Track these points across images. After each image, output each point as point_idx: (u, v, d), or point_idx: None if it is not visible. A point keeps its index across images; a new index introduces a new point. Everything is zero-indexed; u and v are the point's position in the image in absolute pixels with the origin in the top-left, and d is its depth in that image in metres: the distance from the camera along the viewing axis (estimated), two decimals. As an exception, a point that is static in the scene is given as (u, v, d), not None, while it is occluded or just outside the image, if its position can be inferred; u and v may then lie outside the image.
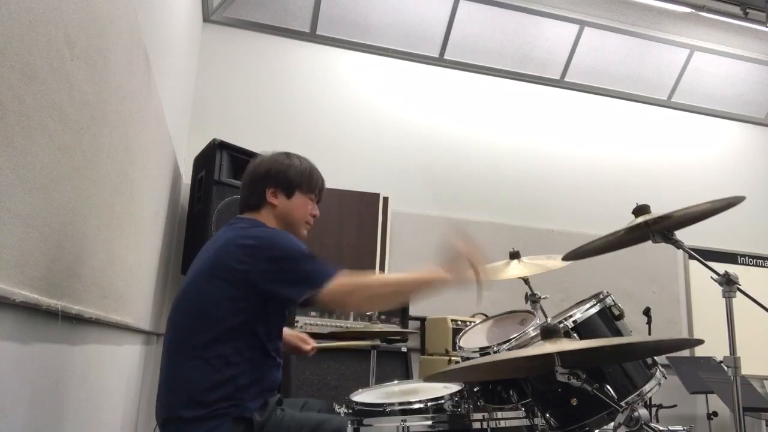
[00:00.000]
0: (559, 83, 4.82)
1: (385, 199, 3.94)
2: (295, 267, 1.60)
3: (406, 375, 3.30)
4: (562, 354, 1.23)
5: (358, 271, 1.58)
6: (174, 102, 3.04)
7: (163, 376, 1.64)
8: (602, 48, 4.74)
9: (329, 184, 1.96)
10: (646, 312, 3.97)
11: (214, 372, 1.55)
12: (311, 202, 1.84)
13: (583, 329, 1.59)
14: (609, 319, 1.65)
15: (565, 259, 1.87)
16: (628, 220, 1.63)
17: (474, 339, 1.93)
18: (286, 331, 1.99)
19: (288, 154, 1.84)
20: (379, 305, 1.62)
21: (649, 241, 1.65)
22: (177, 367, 1.60)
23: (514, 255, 2.19)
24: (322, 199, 1.90)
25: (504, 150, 4.56)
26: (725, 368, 1.56)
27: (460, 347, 1.86)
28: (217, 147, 3.10)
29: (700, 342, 1.28)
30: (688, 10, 4.36)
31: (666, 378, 1.60)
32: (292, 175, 1.79)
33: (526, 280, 2.20)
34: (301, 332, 2.15)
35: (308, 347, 2.09)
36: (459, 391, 1.56)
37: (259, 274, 1.58)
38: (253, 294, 1.58)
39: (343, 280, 1.57)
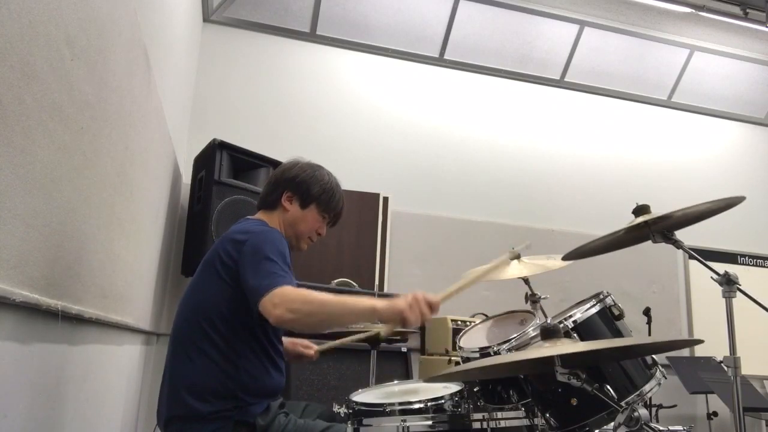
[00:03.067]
0: (559, 83, 4.81)
1: (385, 199, 3.95)
2: (259, 260, 1.54)
3: (406, 375, 3.29)
4: (562, 354, 1.24)
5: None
6: (174, 102, 3.04)
7: (167, 373, 1.64)
8: (602, 48, 4.74)
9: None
10: (646, 312, 3.97)
11: (216, 368, 1.55)
12: (322, 221, 1.83)
13: (583, 329, 1.59)
14: (609, 319, 1.65)
15: (565, 258, 1.87)
16: (628, 220, 1.63)
17: (474, 339, 1.93)
18: (286, 339, 1.94)
19: (320, 168, 1.84)
20: (306, 322, 1.50)
21: (649, 241, 1.65)
22: (179, 362, 1.60)
23: (514, 255, 2.18)
24: (335, 224, 1.88)
25: (504, 150, 4.56)
26: (725, 368, 1.56)
27: (460, 347, 1.87)
28: (217, 147, 3.11)
29: (698, 342, 1.28)
30: (688, 10, 4.36)
31: (666, 378, 1.60)
32: (314, 189, 1.79)
33: (526, 280, 2.20)
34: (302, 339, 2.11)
35: (311, 352, 2.05)
36: (459, 391, 1.55)
37: (240, 267, 1.57)
38: (243, 289, 1.56)
39: (277, 291, 1.45)
